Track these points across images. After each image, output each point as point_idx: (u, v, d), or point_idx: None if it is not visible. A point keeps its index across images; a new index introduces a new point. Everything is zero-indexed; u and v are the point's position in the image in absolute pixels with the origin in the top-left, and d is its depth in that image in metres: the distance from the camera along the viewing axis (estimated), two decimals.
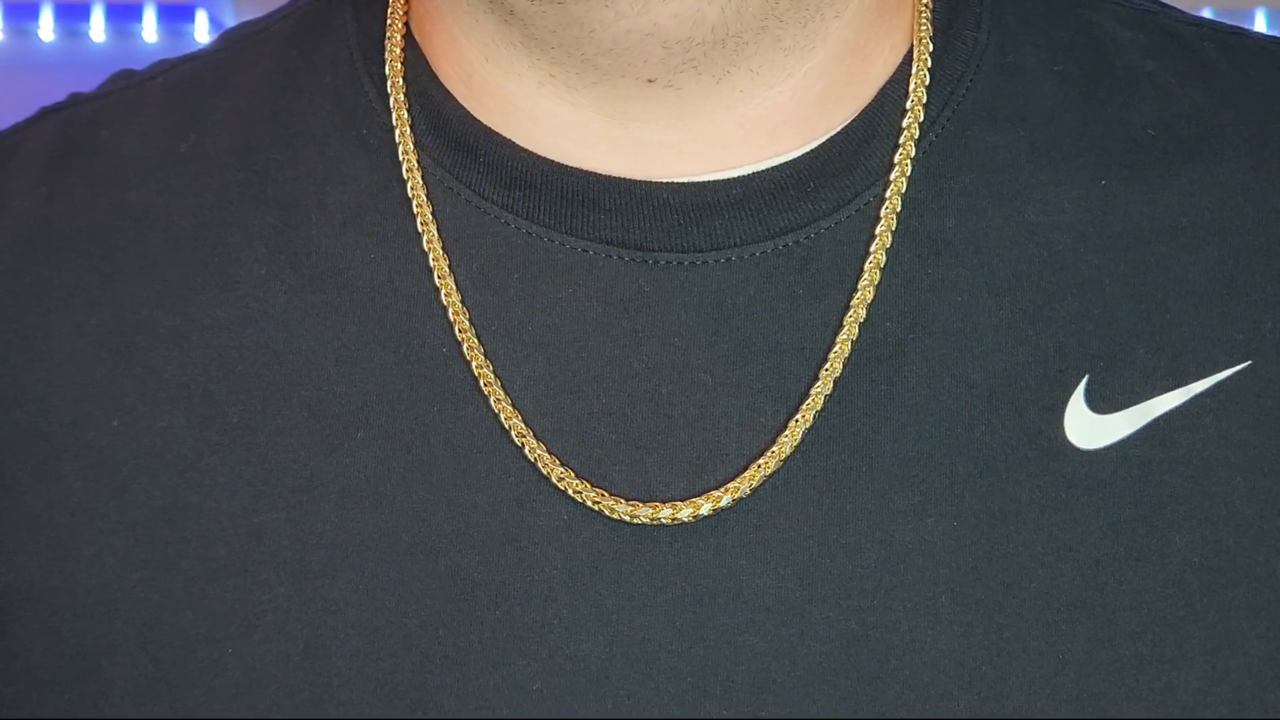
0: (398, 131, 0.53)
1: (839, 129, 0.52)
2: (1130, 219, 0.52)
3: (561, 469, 0.49)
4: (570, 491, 0.49)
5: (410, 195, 0.52)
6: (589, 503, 0.49)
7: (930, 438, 0.49)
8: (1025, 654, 0.48)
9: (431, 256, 0.51)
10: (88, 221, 0.54)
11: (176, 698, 0.49)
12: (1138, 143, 0.53)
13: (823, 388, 0.49)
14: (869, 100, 0.52)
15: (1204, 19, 0.57)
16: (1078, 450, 0.49)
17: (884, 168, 0.52)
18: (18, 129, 0.59)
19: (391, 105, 0.53)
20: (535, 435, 0.49)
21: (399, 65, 0.54)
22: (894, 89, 0.53)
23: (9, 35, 2.89)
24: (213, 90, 0.57)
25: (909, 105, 0.52)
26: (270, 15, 0.59)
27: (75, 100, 0.59)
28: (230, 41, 0.59)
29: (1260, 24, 2.87)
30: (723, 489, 0.48)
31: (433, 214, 0.52)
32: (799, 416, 0.49)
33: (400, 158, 0.53)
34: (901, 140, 0.52)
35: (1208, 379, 0.50)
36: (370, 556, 0.49)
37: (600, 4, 0.47)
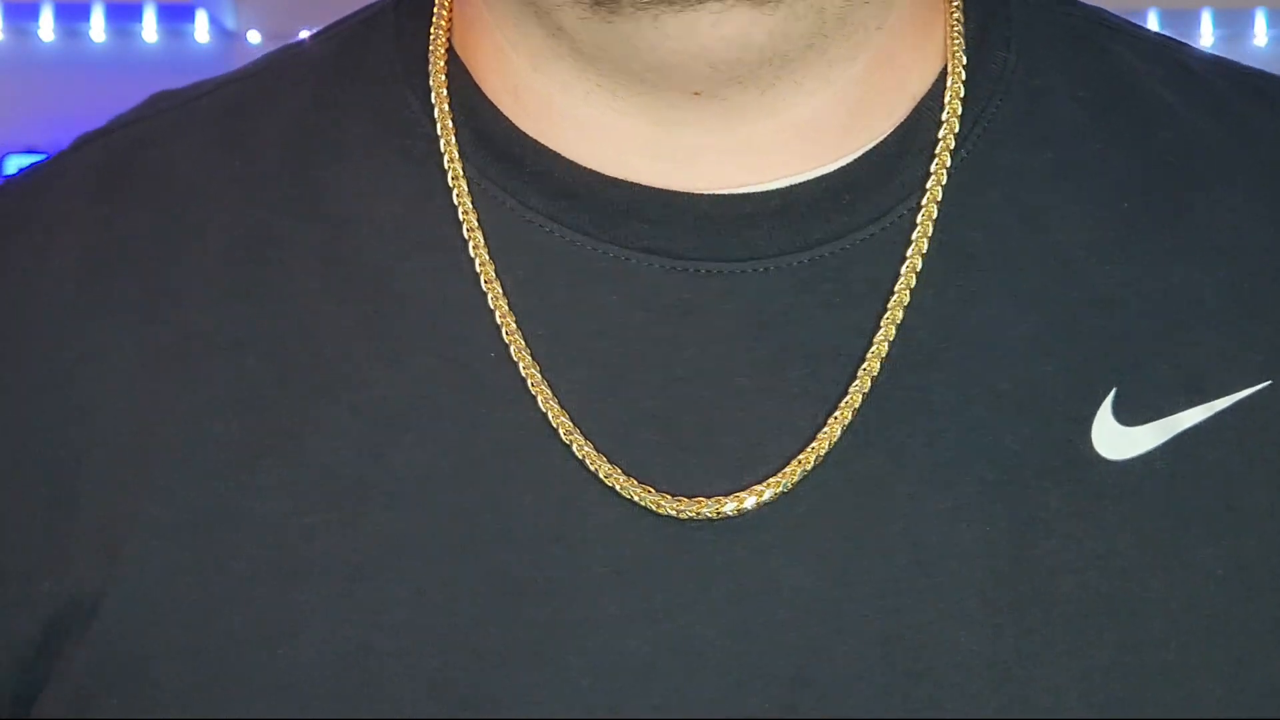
0: (443, 142, 0.54)
1: (874, 144, 0.53)
2: (1148, 241, 0.53)
3: (609, 465, 0.50)
4: (617, 488, 0.50)
5: (456, 203, 0.53)
6: (635, 499, 0.49)
7: (961, 445, 0.50)
8: (1052, 657, 0.48)
9: (478, 262, 0.52)
10: (148, 239, 0.55)
11: (224, 702, 0.49)
12: (1153, 169, 0.54)
13: (860, 386, 0.50)
14: (904, 114, 0.53)
15: (1219, 58, 0.59)
16: (1105, 461, 0.50)
17: (917, 182, 0.53)
18: (61, 156, 0.60)
19: (436, 116, 0.55)
20: (583, 434, 0.50)
21: (443, 78, 0.55)
22: (928, 104, 0.54)
23: (9, 35, 2.89)
24: (259, 110, 0.58)
25: (944, 117, 0.53)
26: (311, 38, 0.61)
27: (117, 124, 0.60)
28: (272, 63, 0.60)
29: (1260, 24, 2.87)
30: (764, 483, 0.49)
31: (478, 222, 0.53)
32: (837, 414, 0.50)
33: (445, 167, 0.54)
34: (936, 153, 0.53)
35: (1229, 396, 0.51)
36: (418, 556, 0.50)
37: (649, 25, 0.48)
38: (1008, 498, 0.50)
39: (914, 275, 0.51)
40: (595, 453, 0.50)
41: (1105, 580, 0.49)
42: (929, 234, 0.52)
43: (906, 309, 0.51)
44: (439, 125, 0.54)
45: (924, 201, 0.52)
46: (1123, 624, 0.49)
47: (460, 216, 0.53)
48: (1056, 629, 0.49)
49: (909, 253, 0.52)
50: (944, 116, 0.53)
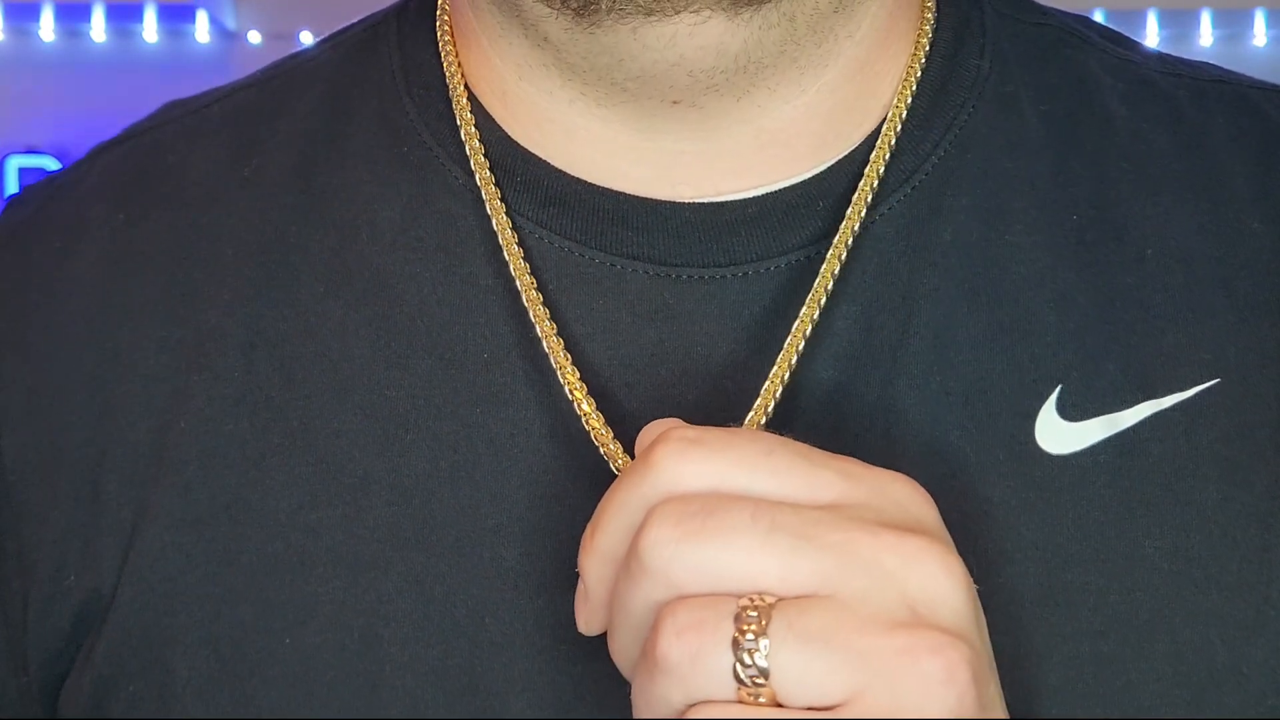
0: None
1: (848, 151, 0.55)
2: (1099, 250, 0.55)
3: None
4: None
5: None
6: None
7: (913, 439, 0.52)
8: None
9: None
10: (165, 243, 0.57)
11: (237, 688, 0.52)
12: (1105, 182, 0.56)
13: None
14: (875, 122, 0.55)
15: (1183, 68, 0.61)
16: (1048, 455, 0.52)
17: (889, 188, 0.54)
18: (78, 164, 0.62)
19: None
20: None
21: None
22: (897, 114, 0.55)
23: (9, 35, 2.89)
24: (270, 116, 0.60)
25: (895, 131, 0.55)
26: (318, 44, 0.63)
27: (131, 132, 0.62)
28: (281, 70, 0.62)
29: (1260, 24, 2.87)
30: None
31: (473, 228, 0.55)
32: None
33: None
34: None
35: (1177, 394, 0.53)
36: (420, 550, 0.52)
37: (628, 37, 0.50)
38: (951, 491, 0.51)
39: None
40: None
41: (1044, 571, 0.50)
42: (898, 237, 0.54)
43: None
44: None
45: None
46: (1060, 614, 0.50)
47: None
48: (993, 618, 0.49)
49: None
50: (904, 128, 0.55)
